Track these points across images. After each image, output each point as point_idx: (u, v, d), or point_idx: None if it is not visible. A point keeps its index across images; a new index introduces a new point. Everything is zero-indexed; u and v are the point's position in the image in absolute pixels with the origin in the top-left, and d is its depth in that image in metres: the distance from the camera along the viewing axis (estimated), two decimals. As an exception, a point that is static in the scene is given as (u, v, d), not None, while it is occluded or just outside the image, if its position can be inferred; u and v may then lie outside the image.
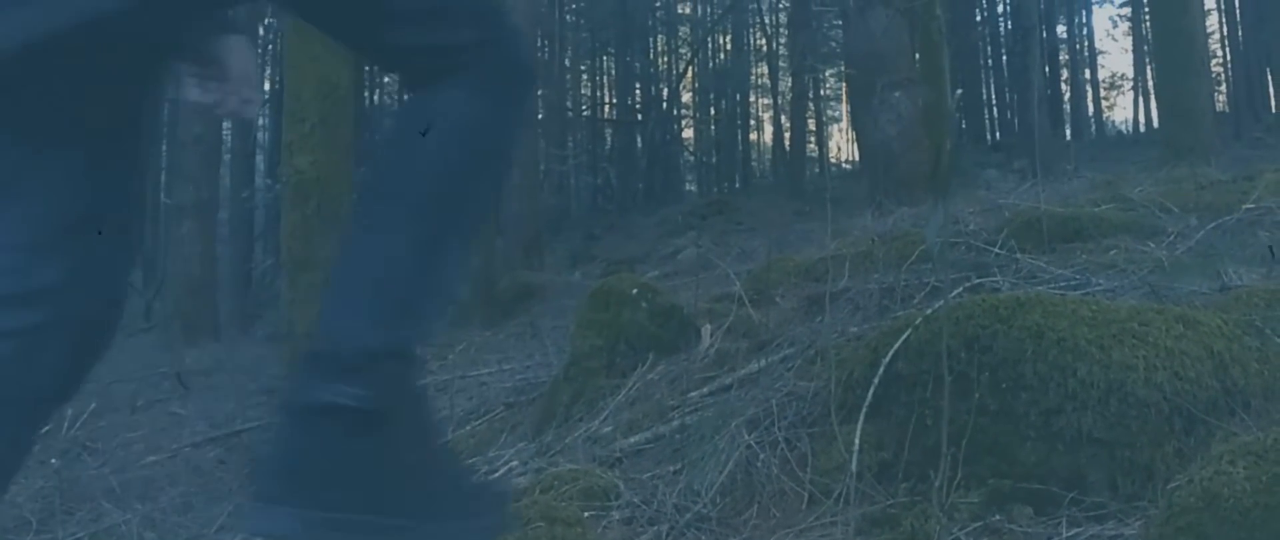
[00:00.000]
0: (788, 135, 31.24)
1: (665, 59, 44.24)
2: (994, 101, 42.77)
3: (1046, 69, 34.01)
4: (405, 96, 2.18)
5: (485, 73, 2.08)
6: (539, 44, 21.81)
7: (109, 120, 2.02)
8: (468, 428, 5.02)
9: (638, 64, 41.84)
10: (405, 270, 2.00)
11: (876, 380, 2.97)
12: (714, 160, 45.17)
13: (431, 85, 2.05)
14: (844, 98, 44.21)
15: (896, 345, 3.03)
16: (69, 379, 1.95)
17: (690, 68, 41.33)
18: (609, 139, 41.43)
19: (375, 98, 35.78)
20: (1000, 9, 42.38)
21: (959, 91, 13.68)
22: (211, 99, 2.12)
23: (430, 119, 2.01)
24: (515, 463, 3.99)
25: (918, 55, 12.62)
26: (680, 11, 45.13)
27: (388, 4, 2.02)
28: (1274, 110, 20.69)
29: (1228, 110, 31.81)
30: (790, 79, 33.25)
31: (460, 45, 2.05)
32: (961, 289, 4.05)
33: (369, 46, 2.23)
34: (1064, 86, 41.74)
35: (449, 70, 2.03)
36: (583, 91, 43.12)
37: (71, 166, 1.94)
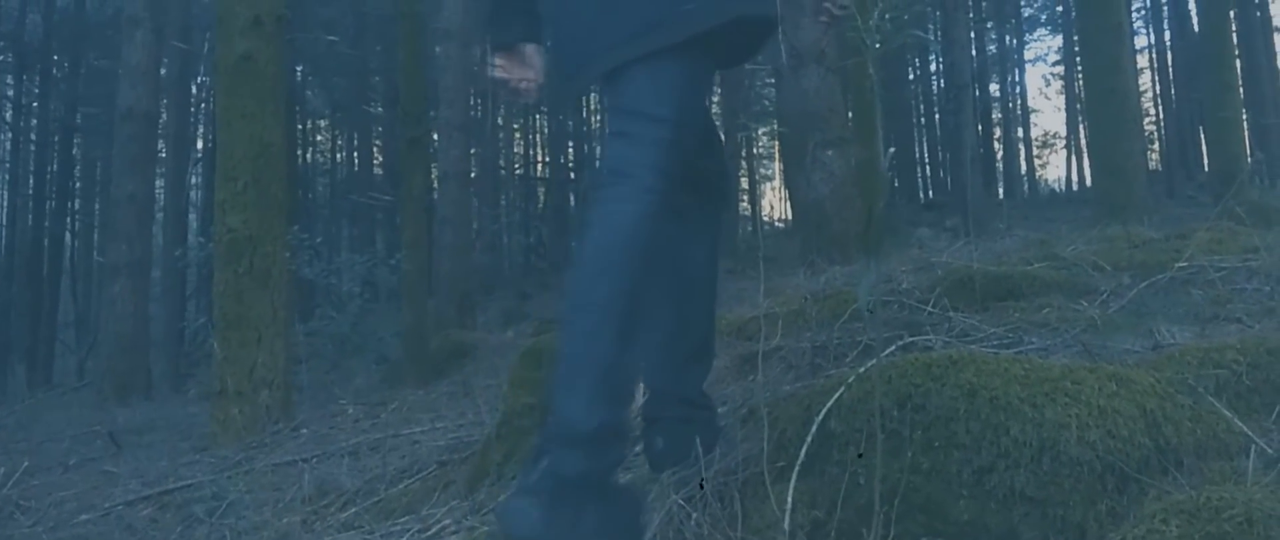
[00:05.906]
0: (721, 193, 31.38)
1: (598, 117, 44.43)
2: (927, 160, 43.28)
3: (979, 127, 34.35)
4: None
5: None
6: (471, 103, 21.80)
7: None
8: (401, 486, 4.97)
9: (570, 122, 42.07)
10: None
11: (809, 439, 2.95)
12: (648, 218, 45.31)
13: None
14: (777, 156, 44.59)
15: (829, 404, 3.01)
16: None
17: (624, 125, 41.51)
18: (542, 197, 41.63)
19: (307, 157, 35.74)
20: (933, 68, 42.93)
21: (892, 150, 13.78)
22: (507, 77, 2.75)
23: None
24: (448, 521, 3.95)
25: (851, 114, 12.72)
26: (613, 69, 45.37)
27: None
28: (1207, 168, 20.98)
29: (1161, 168, 32.35)
30: (722, 137, 33.46)
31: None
32: (894, 347, 4.04)
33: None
34: (997, 145, 42.27)
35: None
36: (515, 150, 43.37)
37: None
